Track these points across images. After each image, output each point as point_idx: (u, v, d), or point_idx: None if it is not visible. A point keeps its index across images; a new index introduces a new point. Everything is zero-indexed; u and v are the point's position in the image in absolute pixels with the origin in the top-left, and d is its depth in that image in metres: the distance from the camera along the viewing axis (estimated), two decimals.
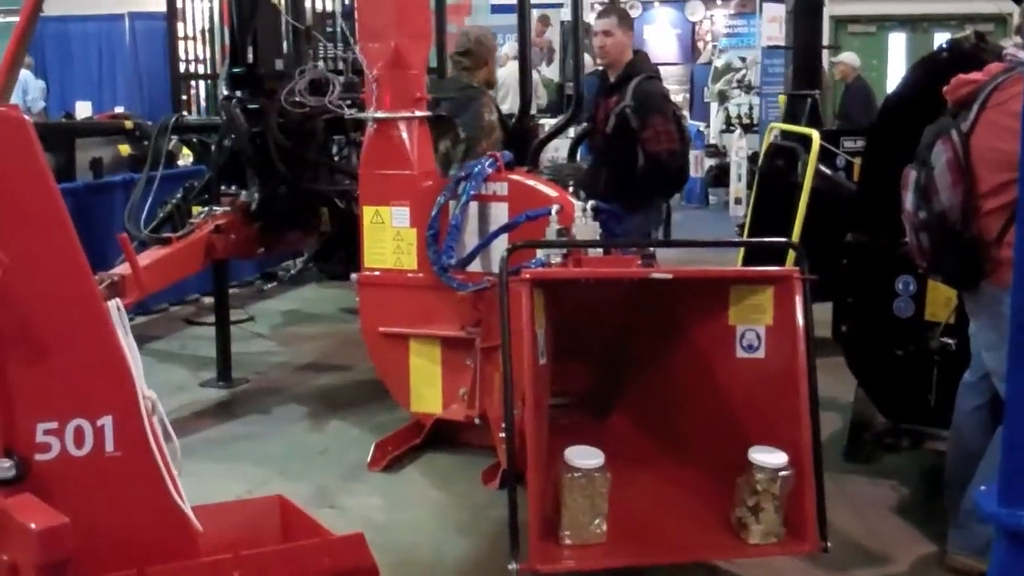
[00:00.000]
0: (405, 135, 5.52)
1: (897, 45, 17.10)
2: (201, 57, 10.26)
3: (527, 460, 3.77)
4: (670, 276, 4.10)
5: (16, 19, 5.62)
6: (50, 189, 2.39)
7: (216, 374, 6.83)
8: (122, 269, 6.03)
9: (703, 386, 4.28)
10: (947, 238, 4.14)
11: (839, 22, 16.33)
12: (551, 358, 4.13)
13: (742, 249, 8.21)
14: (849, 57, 13.56)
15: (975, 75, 4.17)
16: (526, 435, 3.79)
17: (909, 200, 4.27)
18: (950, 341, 5.11)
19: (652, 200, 6.44)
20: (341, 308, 8.55)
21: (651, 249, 5.65)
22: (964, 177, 4.06)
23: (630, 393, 4.48)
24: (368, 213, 5.59)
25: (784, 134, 7.98)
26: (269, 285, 8.70)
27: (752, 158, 14.09)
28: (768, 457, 3.85)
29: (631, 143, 6.13)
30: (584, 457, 3.84)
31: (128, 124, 9.45)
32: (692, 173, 15.50)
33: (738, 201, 14.32)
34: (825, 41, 11.62)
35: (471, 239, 5.37)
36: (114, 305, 2.59)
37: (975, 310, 4.32)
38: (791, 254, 5.48)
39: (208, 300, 8.09)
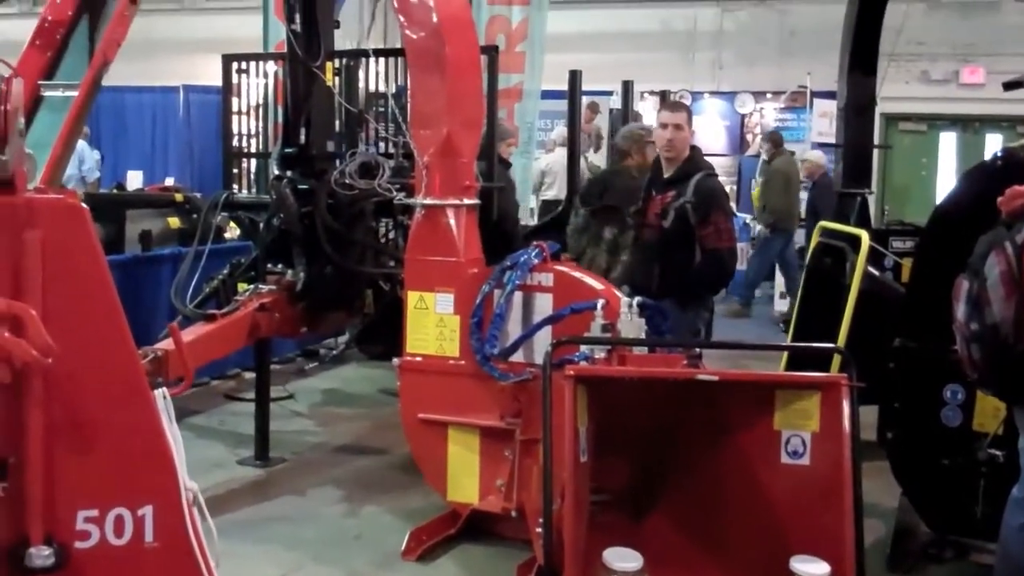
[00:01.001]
0: (453, 222, 5.54)
1: (948, 145, 17.05)
2: (253, 132, 10.37)
3: (564, 559, 3.71)
4: (716, 378, 4.05)
5: (75, 94, 5.75)
6: (104, 278, 2.40)
7: (254, 452, 6.81)
8: (166, 344, 6.05)
9: (746, 490, 4.21)
10: (999, 351, 4.07)
11: (890, 120, 16.33)
12: (592, 454, 4.08)
13: (789, 337, 8.16)
14: (816, 155, 13.62)
15: None
16: (564, 534, 3.74)
17: (961, 311, 4.21)
18: (998, 453, 5.03)
19: (704, 296, 6.41)
20: (380, 389, 8.54)
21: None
22: (1018, 290, 4.00)
23: (671, 493, 4.40)
24: (412, 298, 5.59)
25: (833, 233, 7.93)
26: (310, 365, 8.71)
27: (799, 253, 14.03)
28: (810, 568, 3.76)
29: (689, 239, 6.13)
30: (623, 560, 3.79)
31: (178, 197, 9.55)
32: (737, 266, 15.48)
33: (783, 296, 14.23)
34: (876, 139, 11.62)
35: (515, 329, 5.35)
36: (160, 394, 2.58)
37: None
38: (837, 357, 5.42)
39: (249, 375, 8.11)
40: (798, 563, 3.80)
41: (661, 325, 4.93)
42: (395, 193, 6.27)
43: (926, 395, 5.30)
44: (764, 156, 14.13)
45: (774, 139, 14.13)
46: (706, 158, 6.69)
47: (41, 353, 2.25)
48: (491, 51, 7.69)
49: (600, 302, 4.84)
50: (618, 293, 5.25)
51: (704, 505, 4.30)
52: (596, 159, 15.15)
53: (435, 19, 5.49)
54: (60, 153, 5.59)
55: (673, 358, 4.51)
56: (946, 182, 16.93)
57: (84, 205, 2.41)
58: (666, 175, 6.36)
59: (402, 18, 5.68)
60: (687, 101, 17.44)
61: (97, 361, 2.42)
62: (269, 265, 6.89)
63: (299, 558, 5.27)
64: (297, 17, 6.76)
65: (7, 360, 2.24)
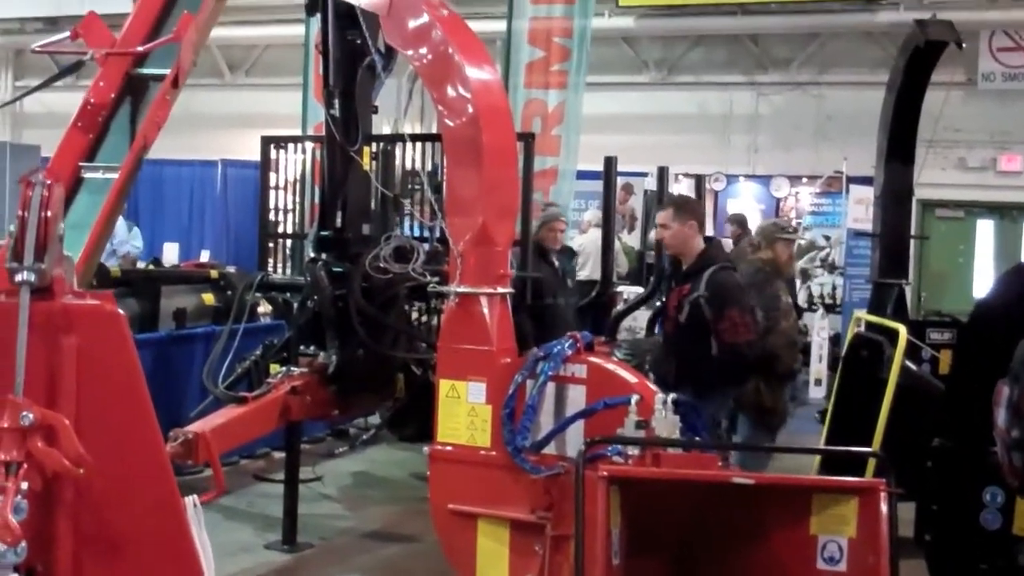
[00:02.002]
0: (486, 311, 5.49)
1: (985, 232, 16.95)
2: (289, 206, 10.43)
3: None
4: (751, 482, 3.99)
5: (115, 176, 5.80)
6: (138, 386, 2.39)
7: (281, 536, 6.75)
8: (197, 427, 6.03)
9: None
10: None
11: (927, 206, 16.26)
12: (624, 555, 4.01)
13: (824, 432, 8.07)
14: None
15: None
16: None
17: (1001, 417, 4.12)
18: None
19: (724, 389, 6.36)
20: (411, 473, 8.46)
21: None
22: None
23: None
24: (444, 387, 5.54)
25: (869, 324, 7.86)
26: (340, 449, 8.66)
27: (834, 339, 13.90)
28: None
29: (705, 332, 6.15)
30: None
31: (213, 274, 9.59)
32: None
33: (818, 382, 14.05)
34: (913, 226, 11.53)
35: (547, 420, 5.28)
36: (191, 502, 2.55)
37: None
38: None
39: (279, 455, 8.07)
40: None
41: (696, 423, 4.86)
42: (429, 278, 6.26)
43: (965, 497, 5.20)
44: (730, 238, 14.02)
45: (739, 220, 14.05)
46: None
47: (73, 463, 2.22)
48: (527, 138, 7.74)
49: (635, 397, 4.77)
50: (652, 387, 5.19)
51: None
52: (630, 240, 15.15)
53: (473, 109, 5.51)
54: (99, 235, 5.64)
55: (708, 458, 4.44)
56: (984, 270, 16.84)
57: (120, 311, 2.40)
58: (684, 268, 6.47)
59: (440, 106, 5.70)
60: (721, 184, 17.53)
61: (129, 470, 2.39)
62: (301, 347, 6.89)
63: None
64: (336, 103, 6.82)
65: (39, 470, 2.21)
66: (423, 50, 5.80)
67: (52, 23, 18.69)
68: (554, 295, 7.83)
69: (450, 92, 5.58)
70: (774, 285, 7.18)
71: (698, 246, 6.49)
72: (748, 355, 6.26)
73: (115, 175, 5.71)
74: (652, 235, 10.27)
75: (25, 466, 2.21)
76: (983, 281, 16.85)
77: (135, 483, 2.42)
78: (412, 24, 5.88)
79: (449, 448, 5.51)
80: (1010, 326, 4.54)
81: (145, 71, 6.09)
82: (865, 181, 14.44)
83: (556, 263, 7.94)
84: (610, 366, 5.37)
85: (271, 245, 9.38)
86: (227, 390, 6.65)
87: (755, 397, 7.11)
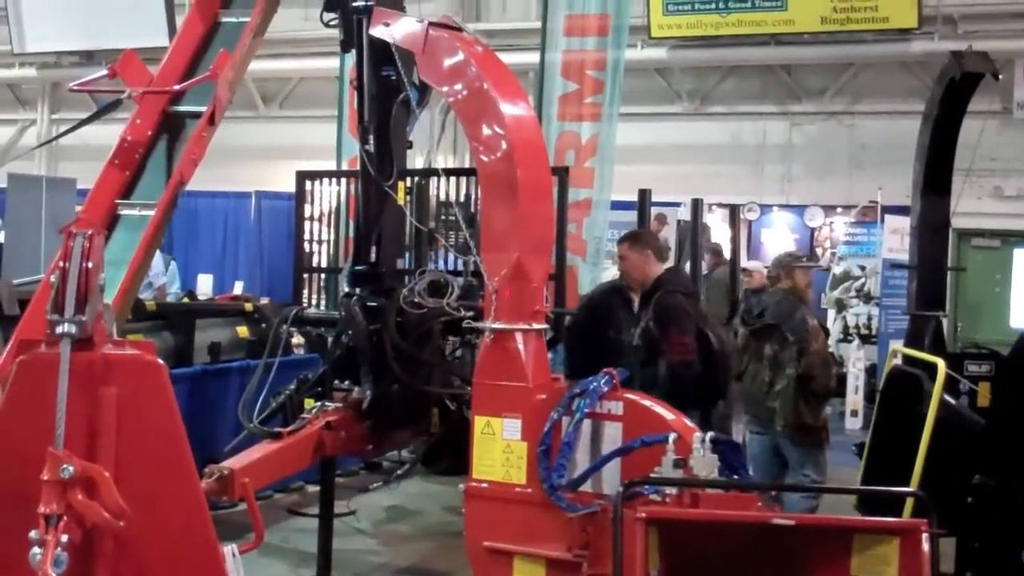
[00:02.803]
0: (521, 347, 5.47)
1: (1022, 261, 16.82)
2: (323, 238, 10.45)
3: None
4: (792, 522, 3.94)
5: (151, 213, 5.82)
6: (178, 435, 2.38)
7: (316, 572, 6.72)
8: (232, 463, 6.02)
9: None
10: None
11: (962, 236, 16.14)
12: None
13: (862, 468, 7.99)
14: (755, 265, 13.40)
15: None
16: None
17: None
18: None
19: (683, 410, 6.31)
20: (445, 507, 8.44)
21: None
22: None
23: None
24: (480, 423, 5.52)
25: (907, 358, 7.79)
26: (374, 485, 8.60)
27: (870, 370, 13.81)
28: None
29: (656, 355, 6.53)
30: None
31: (248, 307, 9.64)
32: None
33: (854, 413, 13.97)
34: (949, 256, 11.44)
35: (583, 458, 5.25)
36: (230, 551, 2.53)
37: None
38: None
39: (312, 488, 8.05)
40: None
41: (734, 461, 4.81)
42: (463, 313, 6.24)
43: (1007, 534, 5.13)
44: (705, 268, 13.89)
45: (715, 250, 13.93)
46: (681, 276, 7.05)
47: (113, 515, 2.22)
48: (561, 172, 7.74)
49: (672, 435, 4.74)
50: (690, 424, 5.15)
51: None
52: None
53: (507, 145, 5.51)
54: (135, 272, 5.66)
55: (747, 498, 4.40)
56: (1021, 300, 16.68)
57: (160, 362, 2.39)
58: (635, 300, 6.84)
59: (474, 142, 5.71)
60: (755, 214, 17.46)
61: (168, 521, 2.38)
62: (336, 382, 6.87)
63: None
64: (371, 138, 6.82)
65: (79, 522, 2.21)
66: (458, 86, 5.82)
67: (88, 56, 18.91)
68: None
69: (485, 129, 5.60)
70: (799, 311, 7.41)
71: (654, 273, 6.85)
72: (684, 376, 6.49)
73: (152, 212, 5.73)
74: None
75: (65, 518, 2.20)
76: (1021, 311, 16.71)
77: (174, 534, 2.40)
78: (447, 61, 5.91)
79: (484, 485, 5.49)
80: None
81: (182, 108, 6.13)
82: (900, 211, 14.37)
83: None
84: (647, 403, 5.34)
85: (305, 277, 9.40)
86: (262, 425, 6.66)
87: (796, 418, 7.28)
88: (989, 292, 16.69)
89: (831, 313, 16.12)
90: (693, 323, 6.67)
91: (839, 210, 17.39)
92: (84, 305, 2.31)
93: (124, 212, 5.78)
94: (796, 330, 7.27)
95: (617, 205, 12.48)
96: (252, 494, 3.21)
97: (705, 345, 6.74)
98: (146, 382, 2.39)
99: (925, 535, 3.86)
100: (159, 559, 2.39)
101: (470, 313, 6.23)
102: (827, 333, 7.34)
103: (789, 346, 7.27)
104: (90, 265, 2.33)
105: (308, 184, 9.20)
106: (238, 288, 16.89)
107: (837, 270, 16.12)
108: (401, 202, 7.18)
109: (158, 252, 13.33)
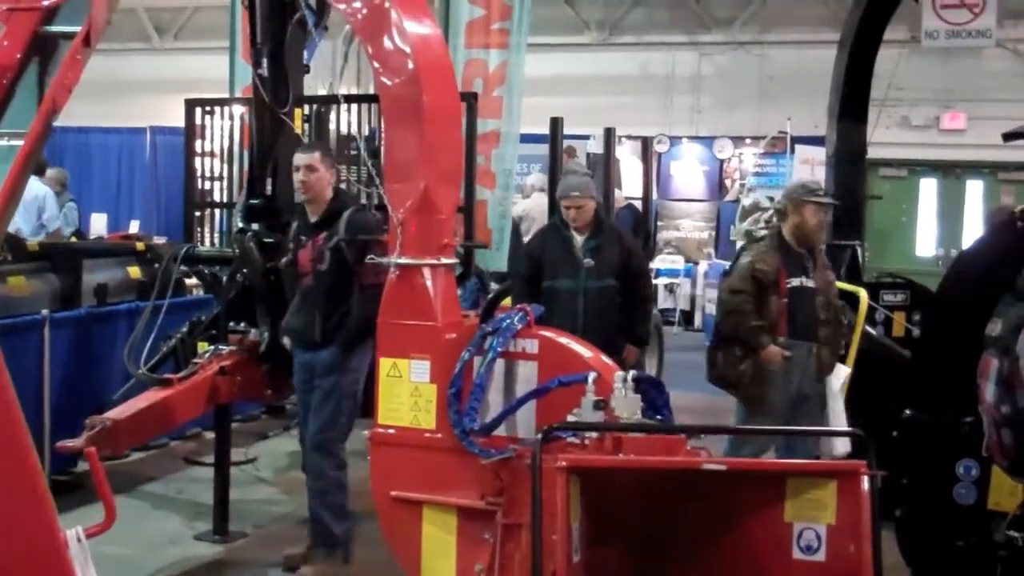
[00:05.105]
0: (429, 283, 5.11)
1: (929, 191, 16.95)
2: (218, 175, 9.95)
3: None
4: (723, 467, 3.66)
5: (20, 143, 5.33)
6: (9, 410, 1.98)
7: (212, 526, 6.35)
8: (115, 413, 5.63)
9: None
10: None
11: (870, 165, 16.07)
12: (584, 548, 3.68)
13: None
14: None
15: None
16: None
17: (990, 392, 3.85)
18: (1017, 535, 4.69)
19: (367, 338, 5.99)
20: (352, 452, 8.04)
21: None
22: None
23: None
24: (385, 365, 5.16)
25: None
26: (274, 432, 8.24)
27: None
28: None
29: (350, 280, 5.88)
30: None
31: (139, 246, 9.12)
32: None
33: None
34: None
35: (496, 400, 4.93)
36: (74, 535, 2.15)
37: None
38: None
39: (210, 435, 7.62)
40: None
41: (659, 401, 4.52)
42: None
43: (937, 470, 4.97)
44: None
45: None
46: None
47: None
48: (470, 98, 7.34)
49: (592, 375, 4.43)
50: (610, 363, 4.84)
51: None
52: None
53: (412, 66, 5.11)
54: (3, 207, 5.18)
55: (675, 440, 4.11)
56: (926, 228, 16.80)
57: None
58: (312, 219, 6.04)
59: (376, 64, 5.29)
60: (664, 146, 17.27)
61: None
62: (231, 324, 6.48)
63: None
64: (264, 62, 6.39)
65: None
66: (357, 3, 5.39)
67: None
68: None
69: (387, 47, 5.17)
70: (744, 254, 6.71)
71: (330, 194, 6.13)
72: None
73: (21, 142, 5.25)
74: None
75: None
76: (926, 240, 16.83)
77: (6, 518, 2.01)
78: None
79: (391, 431, 5.15)
80: (993, 285, 4.27)
81: (54, 28, 5.62)
82: (810, 141, 14.28)
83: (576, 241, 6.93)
84: (564, 340, 5.02)
85: (199, 215, 8.91)
86: (152, 371, 6.26)
87: (711, 371, 6.68)
88: (896, 222, 16.80)
89: (740, 244, 16.01)
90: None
91: (748, 141, 17.31)
92: None
93: None
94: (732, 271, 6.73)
95: (526, 138, 12.14)
96: (98, 462, 2.76)
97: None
98: None
99: (865, 477, 3.60)
100: None
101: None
102: (760, 279, 6.34)
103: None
104: None
105: (199, 114, 8.68)
106: (134, 228, 16.27)
107: (746, 201, 15.99)
108: (298, 131, 6.75)
109: (51, 193, 12.77)
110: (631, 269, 6.91)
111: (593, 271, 6.75)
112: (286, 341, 6.13)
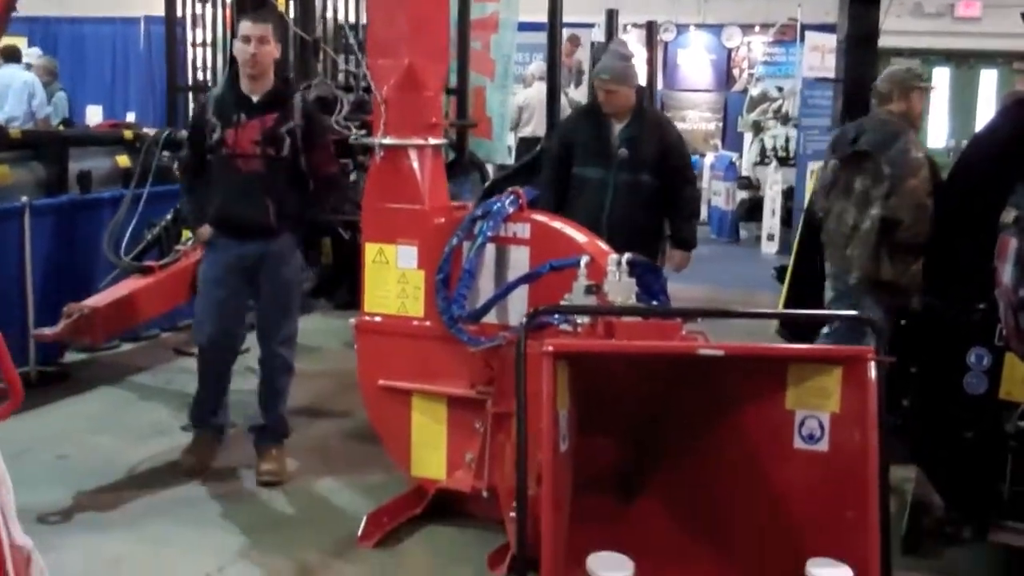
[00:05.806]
0: (416, 165, 4.89)
1: (941, 80, 16.56)
2: (210, 64, 9.66)
3: (542, 555, 3.19)
4: (721, 353, 3.45)
5: None
6: None
7: None
8: (94, 301, 5.45)
9: (753, 479, 3.66)
10: None
11: (882, 54, 15.69)
12: (574, 435, 3.50)
13: (784, 292, 7.64)
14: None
15: None
16: (542, 531, 3.20)
17: (1007, 273, 3.64)
18: None
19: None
20: (346, 343, 7.88)
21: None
22: None
23: (667, 483, 3.79)
24: (371, 251, 4.96)
25: None
26: None
27: (787, 193, 13.47)
28: (830, 572, 3.27)
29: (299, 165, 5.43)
30: (610, 568, 3.23)
31: (127, 134, 8.84)
32: (723, 205, 14.96)
33: (770, 237, 13.68)
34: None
35: (486, 286, 4.74)
36: None
37: None
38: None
39: None
40: (816, 568, 3.30)
41: (654, 285, 4.31)
42: (353, 131, 5.61)
43: (947, 359, 4.76)
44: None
45: None
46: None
47: None
48: None
49: (584, 259, 4.23)
50: (604, 247, 4.63)
51: (705, 496, 3.73)
52: (576, 94, 14.50)
53: None
54: None
55: (670, 326, 3.91)
56: (939, 119, 16.46)
57: None
58: (255, 98, 5.40)
59: None
60: (671, 35, 16.88)
61: None
62: None
63: (240, 545, 4.68)
64: None
65: None
66: None
67: None
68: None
69: None
70: (903, 138, 5.86)
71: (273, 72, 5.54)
72: (343, 185, 6.00)
73: None
74: None
75: None
76: (937, 130, 16.51)
77: None
78: None
79: (378, 319, 4.99)
80: (1006, 167, 4.03)
81: None
82: (820, 28, 13.89)
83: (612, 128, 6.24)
84: (556, 224, 4.81)
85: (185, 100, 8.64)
86: (136, 259, 6.06)
87: (874, 270, 5.86)
88: None
89: (747, 136, 15.77)
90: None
91: (757, 29, 16.89)
92: None
93: None
94: (894, 162, 5.77)
95: (526, 26, 11.79)
96: (4, 346, 2.56)
97: None
98: None
99: (872, 363, 3.40)
100: None
101: (362, 131, 5.61)
102: (936, 171, 5.64)
103: (882, 181, 5.81)
104: None
105: (189, 4, 8.38)
106: (130, 118, 15.98)
107: (754, 91, 15.69)
108: (282, 7, 6.47)
109: (39, 83, 12.50)
110: (670, 163, 6.21)
111: (627, 163, 6.06)
112: (206, 229, 5.50)
